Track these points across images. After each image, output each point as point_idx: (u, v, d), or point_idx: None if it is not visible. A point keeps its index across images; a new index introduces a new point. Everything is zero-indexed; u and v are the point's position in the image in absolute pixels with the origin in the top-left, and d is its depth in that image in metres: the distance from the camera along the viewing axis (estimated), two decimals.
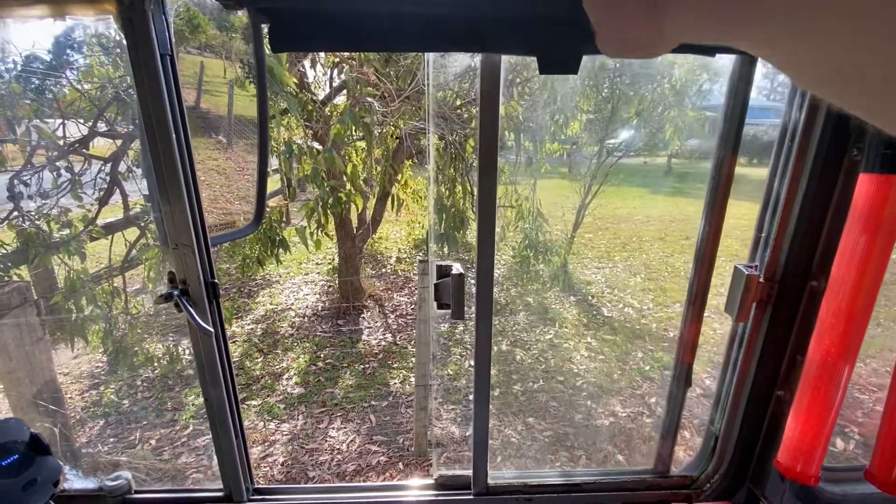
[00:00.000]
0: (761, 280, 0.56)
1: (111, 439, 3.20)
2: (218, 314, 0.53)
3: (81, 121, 2.70)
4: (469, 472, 0.72)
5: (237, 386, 0.62)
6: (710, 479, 0.70)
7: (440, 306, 0.46)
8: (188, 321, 0.53)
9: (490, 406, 0.73)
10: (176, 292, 0.51)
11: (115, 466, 2.87)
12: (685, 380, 0.69)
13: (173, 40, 0.49)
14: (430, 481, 0.74)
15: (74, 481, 0.67)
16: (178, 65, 0.49)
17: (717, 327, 4.57)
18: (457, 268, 0.47)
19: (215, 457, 0.75)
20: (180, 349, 4.06)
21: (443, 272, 0.47)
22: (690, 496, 0.70)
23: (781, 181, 0.54)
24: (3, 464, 0.58)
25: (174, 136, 0.50)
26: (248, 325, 4.55)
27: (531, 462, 2.92)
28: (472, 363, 3.88)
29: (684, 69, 3.77)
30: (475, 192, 3.60)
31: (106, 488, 0.67)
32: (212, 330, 0.53)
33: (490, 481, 0.72)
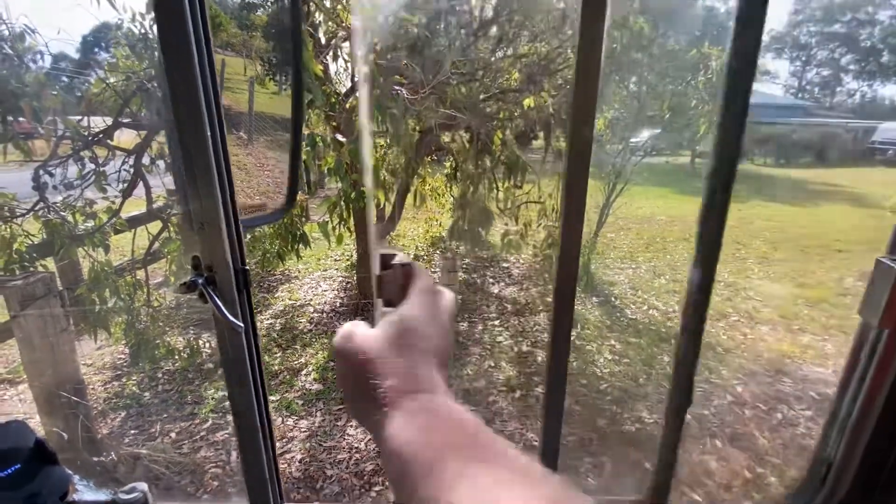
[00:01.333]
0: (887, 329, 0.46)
1: (132, 431, 3.21)
2: (248, 306, 0.46)
3: (106, 114, 2.70)
4: None
5: (265, 377, 0.55)
6: None
7: (385, 304, 0.38)
8: (214, 314, 0.46)
9: (561, 426, 0.64)
10: (200, 280, 0.43)
11: (135, 459, 2.88)
12: (687, 395, 0.59)
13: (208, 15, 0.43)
14: None
15: (85, 493, 0.61)
16: (208, 25, 0.43)
17: (748, 332, 4.39)
18: (401, 257, 0.38)
19: (239, 463, 0.68)
20: (200, 342, 4.08)
21: (386, 262, 0.37)
22: None
23: None
24: (3, 475, 0.51)
25: (203, 107, 0.43)
26: (268, 319, 4.55)
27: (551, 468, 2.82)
28: (492, 363, 3.77)
29: (720, 61, 3.60)
30: (498, 187, 3.52)
31: (120, 501, 0.60)
32: (242, 325, 0.46)
33: None
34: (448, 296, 0.41)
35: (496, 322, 4.55)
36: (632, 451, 2.92)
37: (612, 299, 5.01)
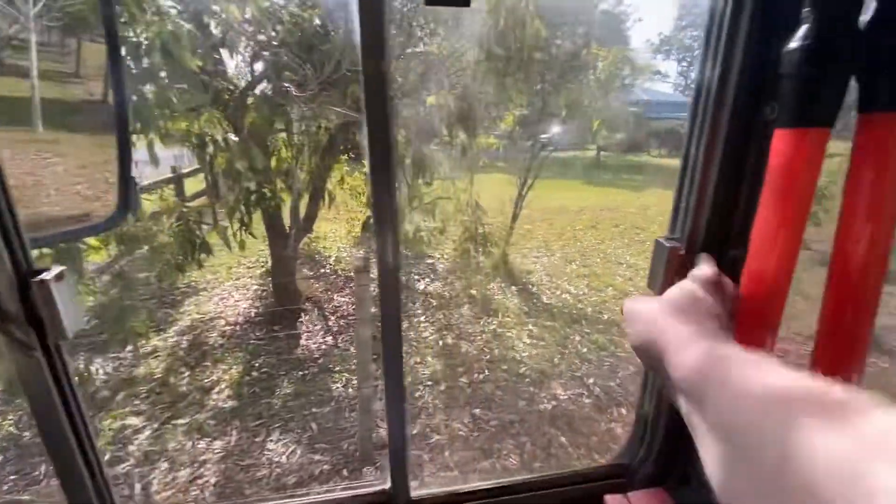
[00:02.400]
0: (682, 252, 0.54)
1: (11, 477, 2.79)
2: (49, 324, 0.41)
3: None
4: (388, 486, 0.65)
5: (81, 405, 0.50)
6: (642, 464, 0.68)
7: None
8: (2, 339, 0.41)
9: (406, 411, 0.66)
10: None
11: None
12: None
13: None
14: (347, 495, 0.66)
15: None
16: None
17: None
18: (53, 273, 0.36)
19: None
20: (92, 369, 3.64)
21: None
22: (624, 485, 0.68)
23: (698, 145, 0.52)
24: None
25: None
26: (172, 337, 4.16)
27: (478, 453, 2.92)
28: (418, 359, 3.80)
29: (607, 62, 3.92)
30: (409, 183, 3.54)
31: None
32: (35, 348, 0.42)
33: (413, 494, 0.65)
34: (728, 282, 0.48)
35: (421, 318, 4.58)
36: (549, 427, 3.11)
37: (530, 287, 5.27)
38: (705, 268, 0.48)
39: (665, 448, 0.64)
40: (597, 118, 3.91)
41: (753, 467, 0.28)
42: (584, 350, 4.03)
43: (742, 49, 0.45)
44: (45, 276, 0.41)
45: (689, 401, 0.36)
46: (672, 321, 0.42)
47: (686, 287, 0.46)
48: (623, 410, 3.31)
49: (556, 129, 6.24)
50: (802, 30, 0.38)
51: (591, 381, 3.62)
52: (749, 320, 0.44)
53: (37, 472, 2.79)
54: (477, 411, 3.27)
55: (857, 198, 0.40)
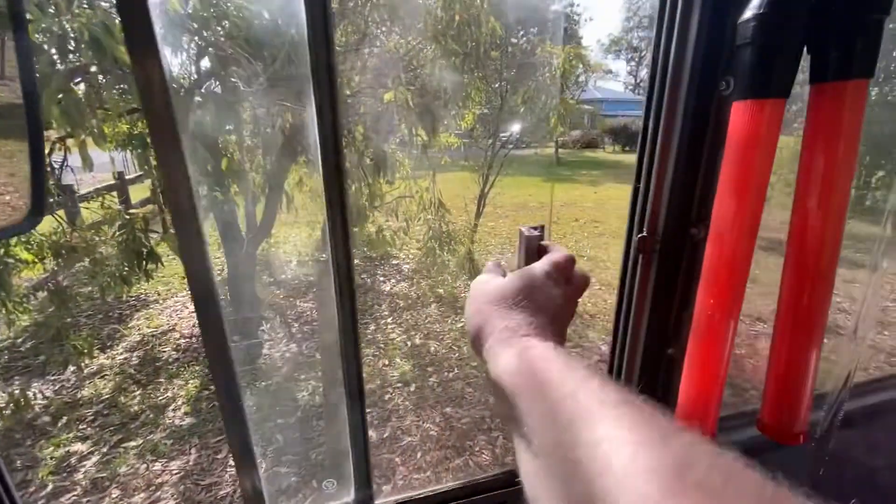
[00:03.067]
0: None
1: None
2: None
3: None
4: (351, 498, 0.61)
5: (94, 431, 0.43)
6: None
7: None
8: None
9: (365, 418, 0.62)
10: None
11: None
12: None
13: None
14: None
15: None
16: None
17: (608, 298, 4.99)
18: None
19: None
20: (30, 393, 3.36)
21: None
22: None
23: (657, 124, 0.51)
24: None
25: None
26: (121, 354, 3.91)
27: (451, 452, 2.90)
28: (386, 361, 3.75)
29: (561, 59, 4.00)
30: (370, 183, 3.47)
31: None
32: None
33: (377, 502, 0.62)
34: (580, 273, 0.46)
35: (389, 319, 4.52)
36: None
37: None
38: (556, 254, 0.45)
39: None
40: (553, 115, 3.99)
41: (562, 493, 0.25)
42: None
43: (696, 22, 0.45)
44: None
45: (501, 402, 0.33)
46: (498, 309, 0.39)
47: (527, 273, 0.43)
48: None
49: (515, 126, 6.33)
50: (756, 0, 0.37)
51: None
52: (712, 298, 0.43)
53: None
54: (448, 410, 3.26)
55: (812, 168, 0.40)
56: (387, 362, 3.87)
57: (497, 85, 5.32)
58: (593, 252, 6.34)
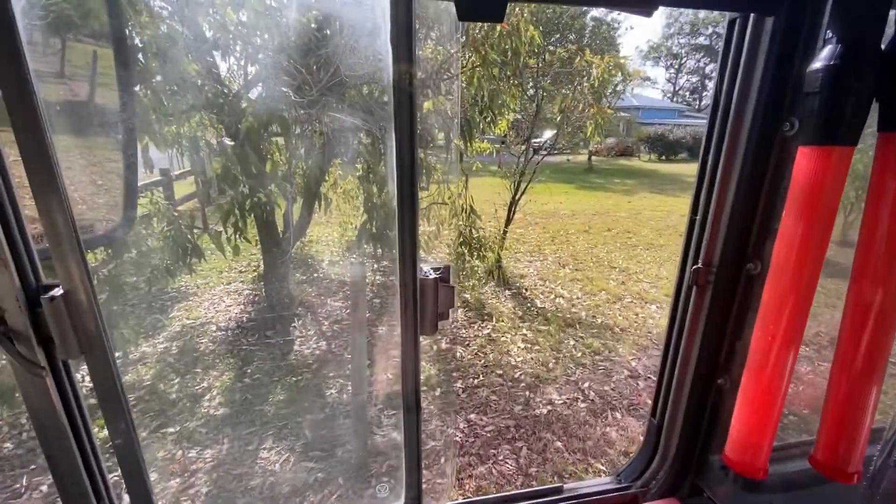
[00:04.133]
0: (699, 265, 0.54)
1: None
2: (48, 345, 0.40)
3: None
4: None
5: (90, 426, 0.49)
6: (655, 475, 0.68)
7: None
8: (8, 360, 0.39)
9: (421, 428, 0.65)
10: None
11: None
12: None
13: None
14: None
15: None
16: None
17: (639, 311, 4.88)
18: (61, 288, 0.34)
19: None
20: (78, 376, 3.56)
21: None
22: (637, 496, 0.68)
23: (716, 160, 0.52)
24: None
25: None
26: (162, 343, 4.10)
27: (474, 459, 2.90)
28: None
29: (601, 69, 3.96)
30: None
31: None
32: (44, 367, 0.40)
33: None
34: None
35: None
36: (544, 432, 3.10)
37: (524, 291, 5.28)
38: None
39: (678, 459, 0.64)
40: (591, 123, 3.95)
41: None
42: (579, 354, 4.05)
43: (762, 66, 0.45)
44: (56, 291, 0.39)
45: None
46: None
47: None
48: (618, 415, 3.32)
49: (548, 133, 6.30)
50: (826, 50, 0.38)
51: (585, 385, 3.63)
52: (770, 335, 0.44)
53: (18, 486, 2.72)
54: (472, 416, 3.26)
55: (878, 213, 0.40)
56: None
57: (532, 92, 5.32)
58: (625, 263, 6.21)
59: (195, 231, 3.25)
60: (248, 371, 3.72)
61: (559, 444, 3.02)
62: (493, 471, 2.81)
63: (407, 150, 0.51)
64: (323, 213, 3.36)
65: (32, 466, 2.86)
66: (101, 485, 0.51)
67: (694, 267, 0.54)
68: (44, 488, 2.68)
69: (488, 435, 3.10)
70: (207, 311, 4.66)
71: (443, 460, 2.88)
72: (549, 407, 3.37)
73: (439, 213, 4.09)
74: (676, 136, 18.48)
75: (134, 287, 4.78)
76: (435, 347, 4.17)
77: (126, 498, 0.65)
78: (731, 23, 0.48)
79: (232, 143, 2.09)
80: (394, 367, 3.84)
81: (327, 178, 4.04)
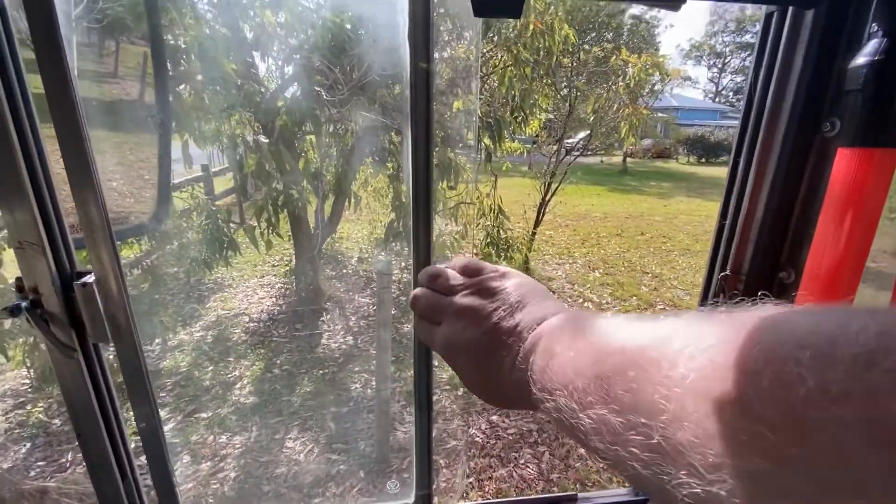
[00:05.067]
0: (727, 273, 0.51)
1: (39, 463, 2.90)
2: (90, 328, 0.43)
3: None
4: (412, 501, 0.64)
5: (117, 405, 0.51)
6: None
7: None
8: (43, 340, 0.42)
9: (432, 426, 0.65)
10: (24, 304, 0.40)
11: (41, 493, 2.60)
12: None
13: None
14: None
15: None
16: (11, 26, 0.38)
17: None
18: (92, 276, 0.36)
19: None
20: (111, 357, 3.76)
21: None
22: None
23: (748, 161, 0.50)
24: None
25: (7, 109, 0.38)
26: (198, 332, 4.28)
27: (495, 461, 2.88)
28: (436, 363, 3.82)
29: (637, 68, 3.85)
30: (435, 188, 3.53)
31: None
32: (76, 349, 0.43)
33: None
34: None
35: None
36: (567, 438, 3.05)
37: (551, 293, 5.20)
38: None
39: None
40: (625, 124, 3.84)
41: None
42: None
43: (801, 62, 0.43)
44: (88, 278, 0.42)
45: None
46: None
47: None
48: None
49: (581, 134, 6.18)
50: (871, 45, 0.35)
51: None
52: None
53: (63, 460, 2.90)
54: (494, 418, 3.24)
55: None
56: (436, 363, 3.92)
57: (566, 91, 5.23)
58: (659, 269, 6.02)
59: (232, 225, 3.38)
60: (278, 362, 3.83)
61: (582, 451, 2.97)
62: (514, 474, 2.78)
63: (422, 148, 0.52)
64: (353, 210, 3.42)
65: (76, 443, 3.05)
66: (126, 463, 0.54)
67: (722, 274, 0.51)
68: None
69: (510, 437, 3.07)
70: (241, 303, 4.83)
71: (463, 459, 2.88)
72: None
73: (466, 212, 4.08)
74: (718, 137, 17.74)
75: (174, 277, 5.02)
76: None
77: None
78: (768, 17, 0.45)
79: (266, 140, 2.17)
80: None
81: (357, 176, 4.11)
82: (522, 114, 3.73)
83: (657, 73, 4.66)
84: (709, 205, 9.89)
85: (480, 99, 2.69)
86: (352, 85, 2.00)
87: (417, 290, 0.44)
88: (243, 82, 2.17)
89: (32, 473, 2.80)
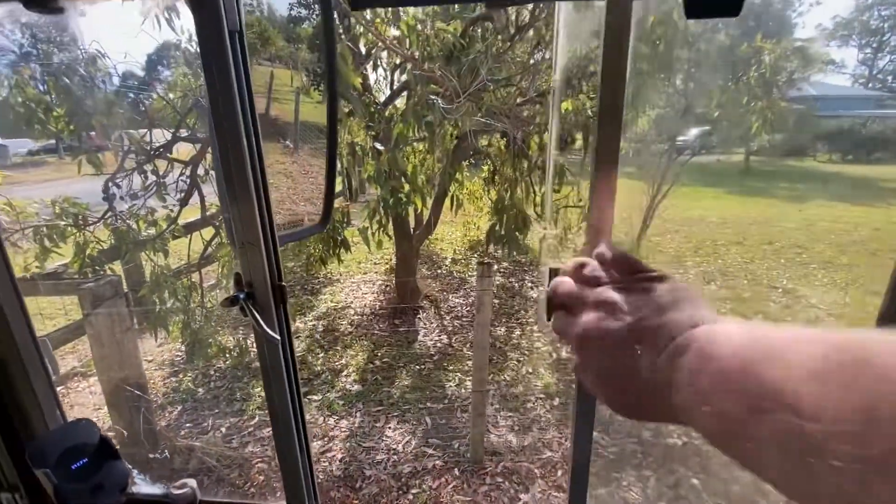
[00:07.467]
0: None
1: (188, 424, 3.41)
2: (286, 320, 0.49)
3: (166, 129, 2.91)
4: None
5: (300, 385, 0.58)
6: None
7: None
8: (253, 326, 0.49)
9: (590, 442, 0.63)
10: (242, 296, 0.47)
11: (189, 451, 3.06)
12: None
13: (243, 17, 0.45)
14: None
15: (142, 486, 0.67)
16: (245, 43, 0.45)
17: None
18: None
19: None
20: (249, 342, 4.28)
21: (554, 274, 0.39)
22: None
23: None
24: (73, 467, 0.58)
25: (241, 125, 0.45)
26: (311, 321, 4.70)
27: (594, 479, 2.74)
28: (530, 369, 3.71)
29: (775, 55, 3.38)
30: (535, 191, 3.48)
31: (172, 496, 0.66)
32: (278, 338, 0.49)
33: None
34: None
35: (534, 327, 4.49)
36: (677, 465, 2.79)
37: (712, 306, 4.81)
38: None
39: None
40: (756, 119, 3.39)
41: None
42: None
43: None
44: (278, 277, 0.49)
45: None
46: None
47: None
48: None
49: (695, 130, 5.62)
50: None
51: None
52: None
53: (206, 424, 3.38)
54: (595, 434, 3.08)
55: None
56: (530, 370, 3.85)
57: (682, 86, 4.80)
58: (792, 284, 5.23)
59: (343, 225, 3.66)
60: (379, 354, 4.06)
61: (695, 481, 2.69)
62: (616, 495, 2.62)
63: (611, 154, 0.50)
64: (454, 213, 3.50)
65: (216, 410, 3.54)
66: (302, 428, 0.61)
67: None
68: (223, 429, 3.29)
69: (611, 457, 2.90)
70: (347, 297, 5.22)
71: (559, 473, 2.78)
72: (685, 439, 3.01)
73: (567, 216, 3.94)
74: (872, 130, 14.90)
75: (291, 271, 5.59)
76: (554, 355, 4.05)
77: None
78: None
79: (382, 147, 2.32)
80: (511, 370, 3.84)
81: (458, 178, 4.21)
82: (633, 111, 3.50)
83: (796, 59, 4.05)
84: (857, 210, 8.34)
85: (591, 99, 2.58)
86: (468, 92, 2.05)
87: (559, 277, 0.43)
88: (363, 95, 2.35)
89: (182, 433, 3.31)
